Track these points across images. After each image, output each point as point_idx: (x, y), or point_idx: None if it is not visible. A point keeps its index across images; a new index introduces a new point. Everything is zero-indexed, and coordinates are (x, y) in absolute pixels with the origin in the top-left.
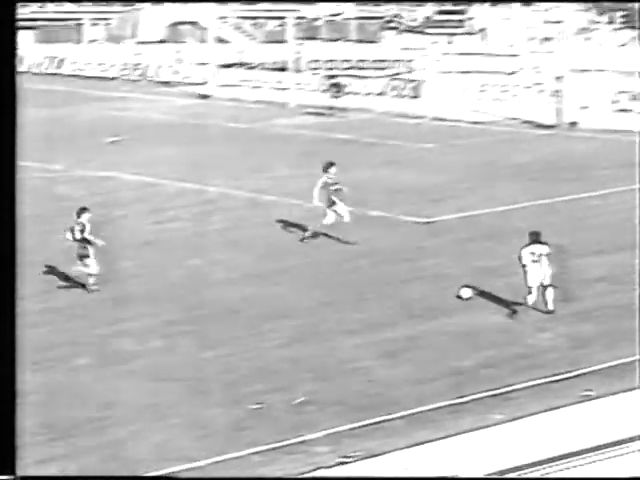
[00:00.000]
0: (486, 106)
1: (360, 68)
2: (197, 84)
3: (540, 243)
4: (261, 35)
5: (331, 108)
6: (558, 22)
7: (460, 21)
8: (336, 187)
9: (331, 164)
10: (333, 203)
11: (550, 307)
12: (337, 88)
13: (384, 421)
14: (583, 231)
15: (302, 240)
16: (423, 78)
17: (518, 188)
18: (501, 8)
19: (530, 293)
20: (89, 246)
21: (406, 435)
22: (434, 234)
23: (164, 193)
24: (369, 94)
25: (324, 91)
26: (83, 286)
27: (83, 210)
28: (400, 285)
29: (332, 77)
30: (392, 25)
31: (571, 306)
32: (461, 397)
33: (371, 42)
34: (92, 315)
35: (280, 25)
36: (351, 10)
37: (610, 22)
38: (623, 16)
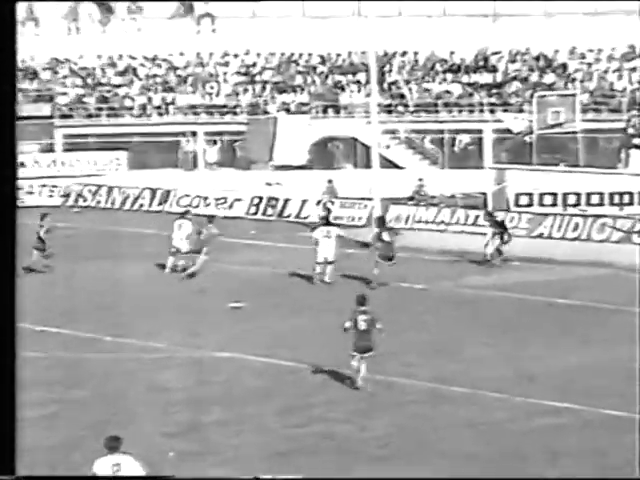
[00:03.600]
0: None
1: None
2: (357, 226)
3: None
4: (445, 156)
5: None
6: None
7: None
8: None
9: None
10: None
11: None
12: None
13: None
14: None
15: None
16: None
17: None
18: None
19: None
20: None
21: None
22: None
23: (306, 382)
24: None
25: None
26: None
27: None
28: None
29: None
30: None
31: None
32: None
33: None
34: None
35: (471, 142)
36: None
37: None
38: None
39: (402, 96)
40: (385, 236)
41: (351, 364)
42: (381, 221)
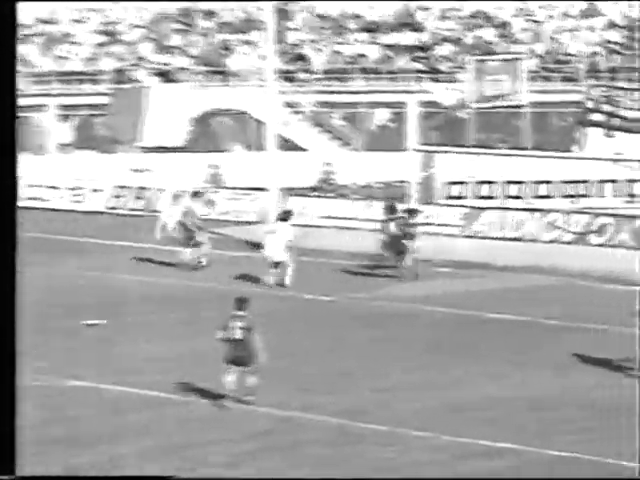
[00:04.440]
0: None
1: None
2: (247, 223)
3: None
4: (360, 136)
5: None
6: None
7: None
8: None
9: None
10: None
11: None
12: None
13: None
14: None
15: None
16: None
17: None
18: None
19: None
20: None
21: None
22: None
23: (186, 416)
24: None
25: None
26: None
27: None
28: None
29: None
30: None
31: None
32: None
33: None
34: None
35: (392, 119)
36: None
37: None
38: None
39: (305, 59)
40: (393, 227)
41: (224, 380)
42: (391, 210)
